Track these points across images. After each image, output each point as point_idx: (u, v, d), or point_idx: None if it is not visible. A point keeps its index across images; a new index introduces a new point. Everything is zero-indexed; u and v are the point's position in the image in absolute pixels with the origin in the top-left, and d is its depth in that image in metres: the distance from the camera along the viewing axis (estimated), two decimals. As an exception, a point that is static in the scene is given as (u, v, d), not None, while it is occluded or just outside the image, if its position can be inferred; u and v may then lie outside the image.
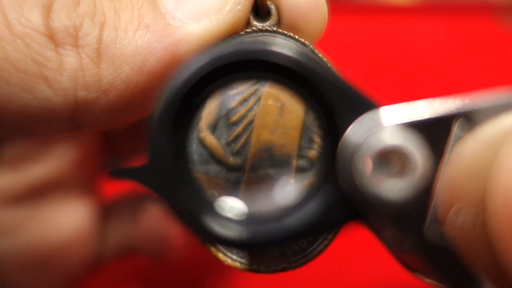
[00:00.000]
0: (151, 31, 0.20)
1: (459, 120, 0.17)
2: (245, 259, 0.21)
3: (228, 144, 0.19)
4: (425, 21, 0.56)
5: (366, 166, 0.16)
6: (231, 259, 0.21)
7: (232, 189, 0.20)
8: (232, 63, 0.17)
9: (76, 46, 0.20)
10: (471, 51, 0.55)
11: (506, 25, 0.55)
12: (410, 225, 0.16)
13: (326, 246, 0.22)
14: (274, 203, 0.18)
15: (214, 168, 0.19)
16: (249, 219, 0.17)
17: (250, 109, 0.19)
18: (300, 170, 0.19)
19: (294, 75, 0.17)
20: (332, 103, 0.17)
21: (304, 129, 0.19)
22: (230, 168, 0.19)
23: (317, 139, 0.18)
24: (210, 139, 0.19)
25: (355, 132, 0.17)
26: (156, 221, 0.35)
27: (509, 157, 0.15)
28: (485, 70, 0.53)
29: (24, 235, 0.32)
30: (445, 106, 0.17)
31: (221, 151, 0.19)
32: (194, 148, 0.18)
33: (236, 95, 0.19)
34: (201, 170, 0.19)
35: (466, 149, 0.16)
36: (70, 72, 0.20)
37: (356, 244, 0.40)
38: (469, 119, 0.17)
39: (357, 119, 0.17)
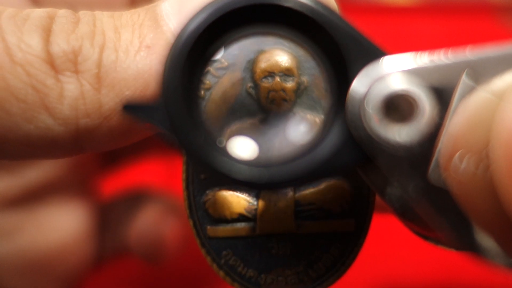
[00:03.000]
0: (153, 52, 0.20)
1: (467, 69, 0.17)
2: (261, 287, 0.21)
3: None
4: (425, 21, 0.56)
5: (374, 111, 0.17)
6: None
7: (251, 203, 0.21)
8: (245, 9, 0.17)
9: (76, 72, 0.19)
10: (470, 51, 0.55)
11: (506, 25, 0.55)
12: (415, 168, 0.17)
13: (343, 272, 0.22)
14: (285, 143, 0.18)
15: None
16: (260, 159, 0.17)
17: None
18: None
19: (306, 24, 0.17)
20: (345, 50, 0.17)
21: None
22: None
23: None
24: None
25: (364, 79, 0.17)
26: (150, 223, 0.35)
27: None
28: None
29: (21, 239, 0.32)
30: (454, 56, 0.17)
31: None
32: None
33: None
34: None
35: (475, 97, 0.17)
36: (71, 101, 0.19)
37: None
38: (478, 69, 0.17)
39: (366, 65, 0.17)
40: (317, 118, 0.18)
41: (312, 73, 0.18)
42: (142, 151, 0.39)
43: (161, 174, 0.42)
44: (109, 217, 0.36)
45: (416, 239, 0.38)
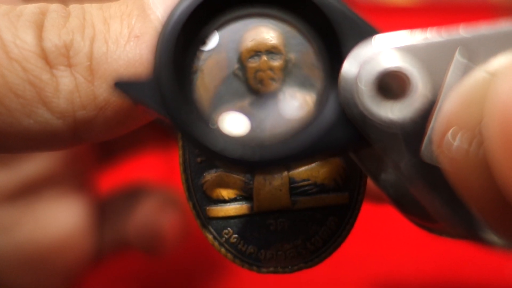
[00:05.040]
0: (142, 42, 0.20)
1: (459, 47, 0.17)
2: (261, 262, 0.22)
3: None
4: (425, 21, 0.56)
5: (367, 88, 0.17)
6: (248, 263, 0.22)
7: (247, 183, 0.22)
8: None
9: (69, 65, 0.20)
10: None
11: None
12: (408, 145, 0.17)
13: (340, 244, 0.22)
14: (277, 123, 0.18)
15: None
16: (252, 139, 0.17)
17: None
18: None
19: (299, 3, 0.17)
20: (338, 28, 0.17)
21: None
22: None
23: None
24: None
25: (357, 56, 0.17)
26: (148, 216, 0.35)
27: (508, 78, 0.15)
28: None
29: (19, 234, 0.32)
30: (447, 33, 0.17)
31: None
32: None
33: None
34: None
35: (471, 76, 0.17)
36: (66, 94, 0.20)
37: (354, 245, 0.40)
38: (471, 46, 0.17)
39: (359, 43, 0.17)
40: (307, 96, 0.18)
41: (300, 50, 0.18)
42: (139, 146, 0.39)
43: (158, 168, 0.42)
44: (107, 211, 0.36)
45: (412, 238, 0.38)
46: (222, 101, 0.18)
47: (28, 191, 0.32)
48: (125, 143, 0.38)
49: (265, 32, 0.18)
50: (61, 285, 0.34)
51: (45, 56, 0.20)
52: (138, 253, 0.37)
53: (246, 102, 0.18)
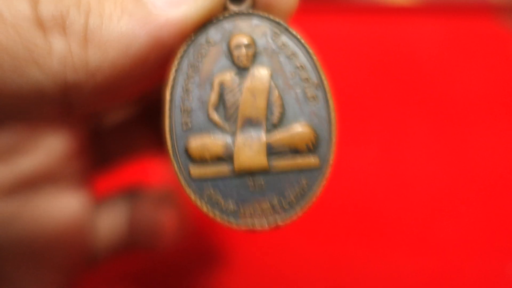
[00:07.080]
0: (134, 19, 0.22)
1: None
2: (240, 219, 0.25)
3: (226, 119, 0.26)
4: (425, 21, 0.56)
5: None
6: (227, 220, 0.25)
7: (228, 147, 0.25)
8: None
9: (64, 34, 0.21)
10: (471, 51, 0.55)
11: (506, 25, 0.55)
12: None
13: (312, 202, 0.25)
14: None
15: (218, 133, 0.25)
16: None
17: (237, 99, 0.26)
18: (268, 130, 0.26)
19: None
20: None
21: (269, 106, 0.25)
22: (227, 133, 0.26)
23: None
24: (215, 117, 0.25)
25: None
26: (147, 212, 0.35)
27: None
28: (485, 70, 0.53)
29: (16, 228, 0.32)
30: None
31: (222, 123, 0.25)
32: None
33: (229, 91, 0.26)
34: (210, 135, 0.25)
35: None
36: (59, 57, 0.21)
37: (353, 246, 0.40)
38: None
39: None
40: (266, 70, 0.26)
41: (262, 46, 0.26)
42: (136, 150, 0.39)
43: (155, 172, 0.42)
44: (107, 210, 0.36)
45: (410, 240, 0.37)
46: (219, 70, 0.26)
47: (25, 186, 0.32)
48: (122, 147, 0.38)
49: (244, 36, 0.26)
50: (61, 281, 0.34)
51: (40, 23, 0.21)
52: (138, 253, 0.37)
53: (232, 72, 0.26)
